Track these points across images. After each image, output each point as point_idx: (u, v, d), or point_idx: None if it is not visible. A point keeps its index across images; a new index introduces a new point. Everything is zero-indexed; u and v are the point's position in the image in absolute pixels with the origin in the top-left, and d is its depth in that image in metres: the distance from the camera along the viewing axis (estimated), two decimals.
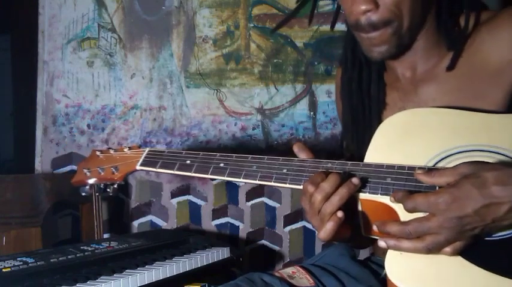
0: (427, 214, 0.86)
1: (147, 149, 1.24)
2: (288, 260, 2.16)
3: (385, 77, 1.19)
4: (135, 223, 2.10)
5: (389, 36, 1.04)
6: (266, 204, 2.15)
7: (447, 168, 0.90)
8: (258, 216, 2.15)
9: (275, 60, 2.15)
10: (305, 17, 2.14)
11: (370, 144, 1.03)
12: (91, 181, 1.29)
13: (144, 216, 2.10)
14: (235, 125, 2.13)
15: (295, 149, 1.07)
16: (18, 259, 1.25)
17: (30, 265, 1.22)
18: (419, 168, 0.93)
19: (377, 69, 1.19)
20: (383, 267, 1.16)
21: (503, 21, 1.04)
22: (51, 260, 1.27)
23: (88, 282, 1.21)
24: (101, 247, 1.44)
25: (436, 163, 0.96)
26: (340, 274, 1.16)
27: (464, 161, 0.93)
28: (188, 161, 1.16)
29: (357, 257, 1.26)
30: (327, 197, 0.94)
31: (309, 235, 2.17)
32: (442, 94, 1.09)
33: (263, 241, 2.16)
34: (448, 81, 1.09)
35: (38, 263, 1.24)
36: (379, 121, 1.10)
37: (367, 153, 1.03)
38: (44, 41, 2.05)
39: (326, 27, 2.15)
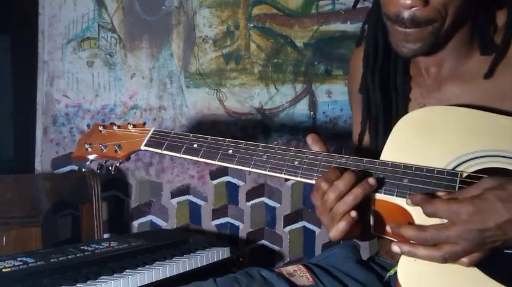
0: (446, 221, 0.83)
1: (152, 129, 1.18)
2: (288, 260, 2.16)
3: (410, 69, 1.14)
4: (135, 223, 2.10)
5: (427, 35, 0.98)
6: (266, 204, 2.15)
7: (472, 184, 0.85)
8: (258, 216, 2.15)
9: (275, 60, 2.15)
10: (305, 17, 2.14)
11: (388, 141, 0.99)
12: (92, 157, 1.23)
13: (144, 216, 2.10)
14: (235, 125, 2.13)
15: (309, 140, 1.02)
16: (18, 259, 1.25)
17: (30, 265, 1.22)
18: (440, 179, 0.89)
19: (403, 61, 1.12)
20: (387, 269, 1.15)
21: None
22: (51, 260, 1.27)
23: (88, 282, 1.21)
24: (101, 247, 1.44)
25: (456, 166, 0.92)
26: (344, 278, 1.14)
27: (485, 166, 0.90)
28: (195, 145, 1.10)
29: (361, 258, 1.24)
30: (341, 196, 0.90)
31: (309, 235, 2.17)
32: (466, 93, 1.05)
33: (263, 241, 2.16)
34: (474, 81, 1.05)
35: (38, 263, 1.24)
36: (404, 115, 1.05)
37: (383, 150, 0.98)
38: (44, 41, 2.05)
39: (326, 27, 2.15)
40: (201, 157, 1.08)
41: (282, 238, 2.16)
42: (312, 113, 2.16)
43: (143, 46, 2.10)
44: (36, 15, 2.05)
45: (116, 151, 1.20)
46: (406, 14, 0.95)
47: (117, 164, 1.23)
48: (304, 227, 2.17)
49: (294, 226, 2.16)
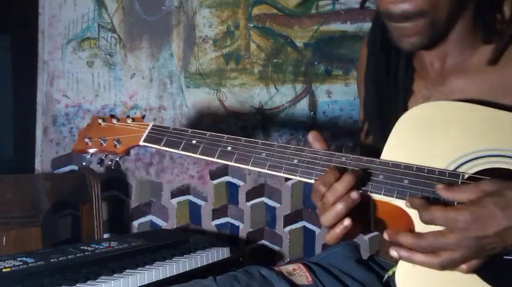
0: (444, 228, 0.81)
1: (151, 124, 1.17)
2: (288, 260, 2.16)
3: (414, 63, 1.11)
4: (135, 223, 2.10)
5: (423, 27, 0.95)
6: (266, 204, 2.15)
7: (469, 184, 0.84)
8: (258, 216, 2.15)
9: (275, 60, 2.15)
10: (305, 17, 2.14)
11: (389, 138, 0.96)
12: (92, 151, 1.23)
13: (144, 216, 2.10)
14: (235, 125, 2.13)
15: (310, 137, 1.00)
16: (18, 259, 1.25)
17: (30, 265, 1.23)
18: (440, 182, 0.87)
19: (406, 54, 1.09)
20: (386, 269, 1.15)
21: None
22: (51, 260, 1.27)
23: (88, 282, 1.21)
24: (101, 247, 1.44)
25: (458, 166, 0.89)
26: (344, 277, 1.14)
27: (487, 167, 0.88)
28: (194, 141, 1.10)
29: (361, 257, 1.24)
30: (339, 199, 0.89)
31: (309, 235, 2.17)
32: (471, 86, 1.02)
33: (263, 241, 2.16)
34: (479, 73, 1.02)
35: (38, 263, 1.24)
36: (405, 109, 1.03)
37: (384, 148, 0.96)
38: (44, 41, 2.05)
39: (326, 27, 2.15)
40: (199, 154, 1.08)
41: (282, 238, 2.16)
42: (312, 113, 2.16)
43: (143, 46, 2.10)
44: (36, 15, 2.05)
45: (115, 146, 1.20)
46: (394, 8, 0.94)
47: (117, 159, 1.23)
48: (304, 227, 2.17)
49: (294, 226, 2.16)
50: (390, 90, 1.11)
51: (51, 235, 1.81)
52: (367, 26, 2.11)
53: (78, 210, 1.90)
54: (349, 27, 2.15)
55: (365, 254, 1.24)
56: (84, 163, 1.26)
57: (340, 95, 2.15)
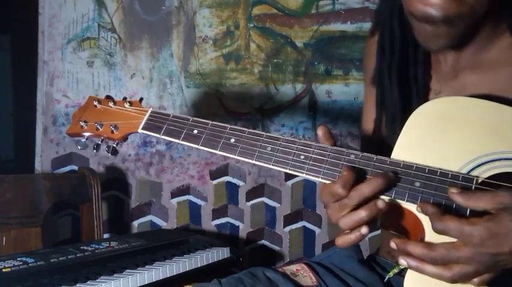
0: (457, 240, 0.79)
1: (149, 110, 1.11)
2: (288, 260, 2.16)
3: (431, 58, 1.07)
4: (135, 223, 2.10)
5: (458, 31, 0.90)
6: (266, 204, 2.15)
7: (486, 192, 0.80)
8: (258, 216, 2.15)
9: (275, 60, 2.15)
10: (305, 17, 2.14)
11: (400, 136, 0.92)
12: (87, 134, 1.17)
13: (144, 216, 2.10)
14: (235, 125, 2.13)
15: (320, 131, 0.95)
16: (18, 259, 1.25)
17: (30, 265, 1.22)
18: (453, 186, 0.83)
19: (423, 52, 1.04)
20: (386, 269, 1.15)
21: None
22: (51, 260, 1.27)
23: (88, 282, 1.21)
24: (101, 247, 1.44)
25: (471, 169, 0.85)
26: (347, 277, 1.13)
27: (504, 170, 0.84)
28: (196, 131, 1.04)
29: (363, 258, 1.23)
30: (364, 202, 0.85)
31: (309, 235, 2.17)
32: (485, 81, 0.98)
33: (263, 241, 2.16)
34: (495, 69, 0.98)
35: (38, 263, 1.24)
36: None
37: (394, 148, 0.91)
38: (44, 41, 2.05)
39: (326, 27, 2.15)
40: (201, 145, 1.02)
41: (282, 238, 2.16)
42: (312, 113, 2.16)
43: (143, 46, 2.10)
44: (36, 15, 2.05)
45: (112, 132, 1.13)
46: (436, 12, 0.87)
47: (114, 145, 1.17)
48: (304, 227, 2.17)
49: (294, 226, 2.16)
50: (409, 89, 1.06)
51: (51, 235, 1.81)
52: (367, 26, 2.11)
53: (78, 210, 1.90)
54: (349, 27, 2.15)
55: (365, 254, 1.24)
56: (79, 147, 1.16)
57: (340, 95, 2.15)
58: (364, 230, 0.85)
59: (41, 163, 2.03)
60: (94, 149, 1.18)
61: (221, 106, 2.13)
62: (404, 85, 1.06)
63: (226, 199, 2.14)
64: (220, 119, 2.12)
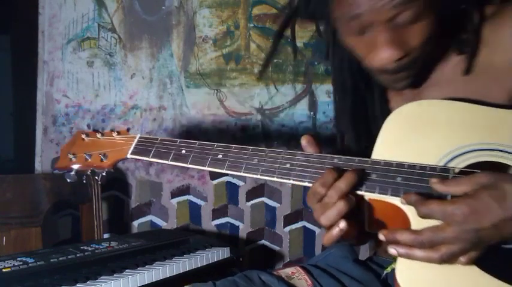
0: (441, 222, 0.83)
1: (137, 136, 1.15)
2: (288, 260, 2.16)
3: (388, 92, 1.13)
4: (135, 223, 2.10)
5: (418, 69, 0.98)
6: (266, 204, 2.15)
7: (463, 176, 0.85)
8: (258, 216, 2.15)
9: (275, 60, 2.15)
10: None
11: (378, 138, 0.97)
12: (76, 167, 1.20)
13: (144, 216, 2.10)
14: (235, 125, 2.13)
15: (304, 141, 1.00)
16: (18, 259, 1.26)
17: (30, 265, 1.23)
18: (433, 176, 0.88)
19: (379, 88, 1.11)
20: (383, 267, 1.15)
21: (505, 20, 0.99)
22: (51, 260, 1.27)
23: (88, 282, 1.21)
24: (101, 247, 1.44)
25: (447, 162, 0.91)
26: (343, 277, 1.14)
27: (478, 160, 0.89)
28: (184, 151, 1.08)
29: (358, 258, 1.24)
30: (342, 197, 0.90)
31: (309, 235, 2.17)
32: (444, 95, 1.03)
33: (263, 241, 2.16)
34: (453, 84, 1.04)
35: (38, 263, 1.24)
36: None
37: (374, 148, 0.97)
38: (44, 41, 2.05)
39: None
40: (190, 163, 1.06)
41: (282, 238, 2.16)
42: (312, 113, 2.16)
43: (143, 46, 2.10)
44: (36, 15, 2.05)
45: (101, 160, 1.17)
46: (390, 66, 0.94)
47: (103, 174, 1.20)
48: (304, 227, 2.17)
49: (294, 226, 2.16)
50: (369, 125, 1.11)
51: (51, 235, 1.81)
52: None
53: (78, 210, 1.90)
54: None
55: (365, 255, 1.24)
56: (68, 180, 1.22)
57: None
58: (342, 224, 0.89)
59: (41, 163, 2.03)
60: (84, 181, 1.22)
61: (221, 106, 2.13)
62: (361, 124, 1.13)
63: (226, 199, 2.14)
64: (220, 119, 2.14)
